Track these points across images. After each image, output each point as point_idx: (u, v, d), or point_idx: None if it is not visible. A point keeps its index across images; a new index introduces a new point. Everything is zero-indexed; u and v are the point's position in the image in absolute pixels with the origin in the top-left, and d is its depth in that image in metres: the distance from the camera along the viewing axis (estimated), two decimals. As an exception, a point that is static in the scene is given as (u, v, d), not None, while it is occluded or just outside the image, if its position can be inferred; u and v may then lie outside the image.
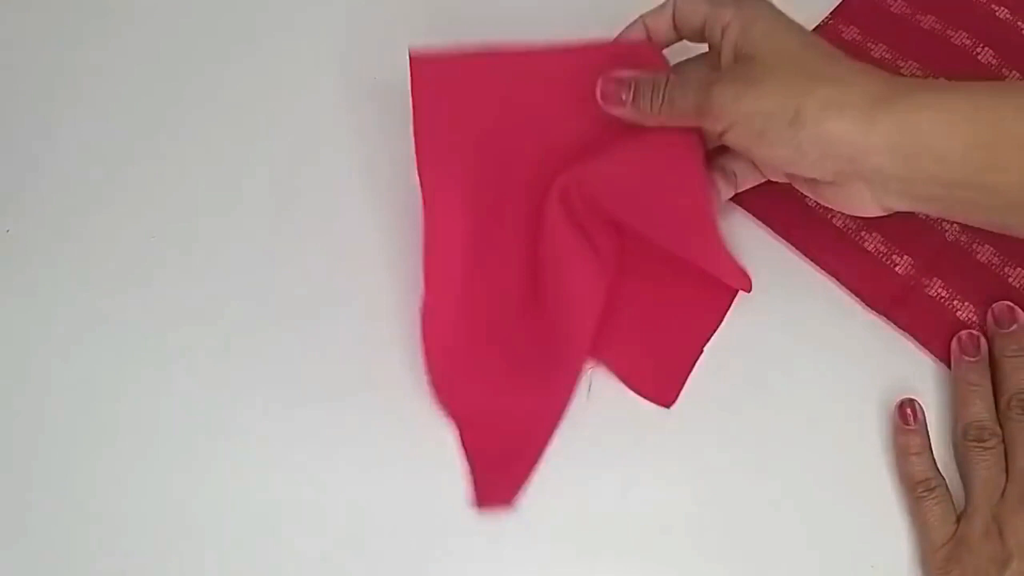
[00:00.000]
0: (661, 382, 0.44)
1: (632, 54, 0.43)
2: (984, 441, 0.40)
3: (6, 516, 0.42)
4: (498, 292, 0.44)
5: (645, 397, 0.43)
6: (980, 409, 0.41)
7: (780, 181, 0.43)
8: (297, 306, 0.46)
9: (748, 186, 0.45)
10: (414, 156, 0.43)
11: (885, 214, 0.40)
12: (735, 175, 0.44)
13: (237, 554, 0.41)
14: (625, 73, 0.41)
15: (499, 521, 0.41)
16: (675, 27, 0.43)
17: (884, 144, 0.36)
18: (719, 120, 0.38)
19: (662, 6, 0.43)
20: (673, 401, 0.43)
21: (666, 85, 0.40)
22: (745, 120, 0.38)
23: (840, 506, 0.42)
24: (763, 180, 0.44)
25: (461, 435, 0.42)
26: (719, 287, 0.45)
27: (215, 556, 0.41)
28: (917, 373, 0.44)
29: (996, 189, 0.36)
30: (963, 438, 0.41)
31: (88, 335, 0.46)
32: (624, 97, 0.41)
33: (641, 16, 0.43)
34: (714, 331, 0.45)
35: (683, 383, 0.44)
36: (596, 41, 0.44)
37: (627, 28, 0.44)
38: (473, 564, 0.41)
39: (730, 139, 0.39)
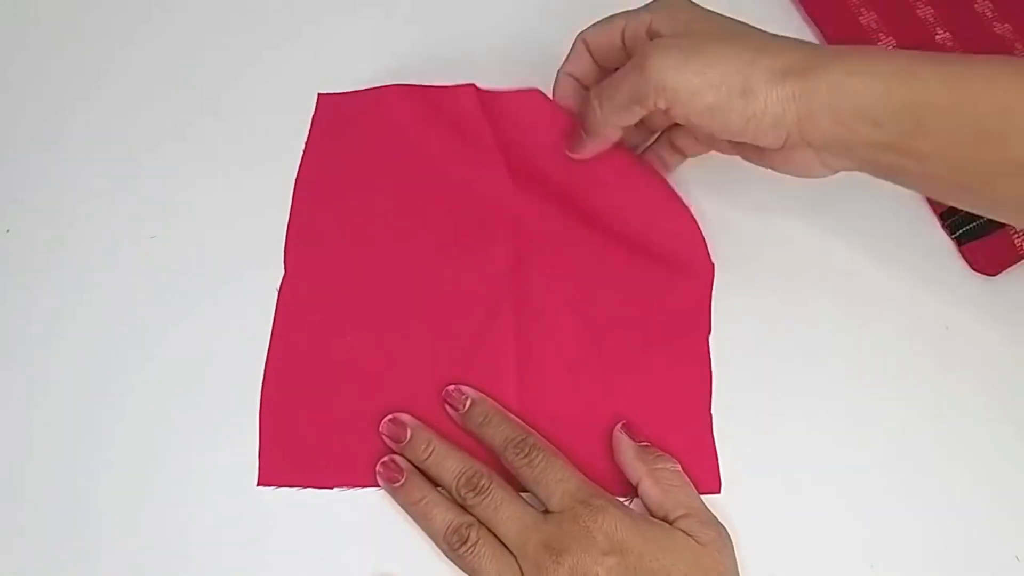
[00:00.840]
0: (698, 473, 0.42)
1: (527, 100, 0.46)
2: (468, 539, 0.38)
3: (5, 516, 0.42)
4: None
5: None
6: (441, 514, 0.39)
7: (725, 152, 0.43)
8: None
9: (693, 155, 0.46)
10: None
11: (833, 173, 0.40)
12: (682, 149, 0.45)
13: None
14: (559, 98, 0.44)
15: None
16: (595, 60, 0.44)
17: (824, 107, 0.36)
18: (660, 94, 0.37)
19: (573, 50, 0.44)
20: (719, 483, 0.42)
21: (600, 97, 0.40)
22: (691, 95, 0.37)
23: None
24: (708, 151, 0.45)
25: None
26: (690, 341, 0.45)
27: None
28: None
29: (922, 154, 0.36)
30: (451, 549, 0.39)
31: (88, 335, 0.46)
32: (578, 134, 0.42)
33: (561, 69, 0.45)
34: (710, 393, 0.44)
35: (716, 461, 0.42)
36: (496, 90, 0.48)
37: (556, 85, 0.45)
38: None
39: (677, 115, 0.38)
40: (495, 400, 0.43)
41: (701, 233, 0.46)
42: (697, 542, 0.38)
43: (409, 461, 0.42)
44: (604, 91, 0.40)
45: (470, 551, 0.38)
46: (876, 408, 0.44)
